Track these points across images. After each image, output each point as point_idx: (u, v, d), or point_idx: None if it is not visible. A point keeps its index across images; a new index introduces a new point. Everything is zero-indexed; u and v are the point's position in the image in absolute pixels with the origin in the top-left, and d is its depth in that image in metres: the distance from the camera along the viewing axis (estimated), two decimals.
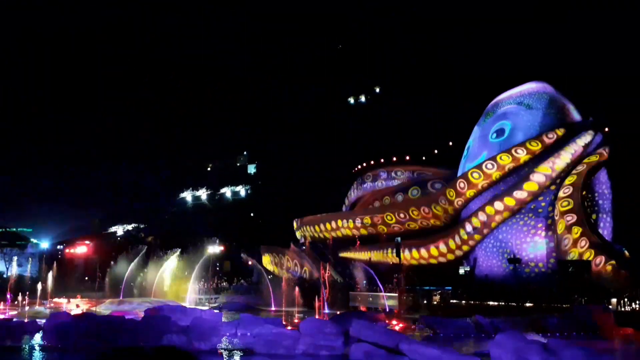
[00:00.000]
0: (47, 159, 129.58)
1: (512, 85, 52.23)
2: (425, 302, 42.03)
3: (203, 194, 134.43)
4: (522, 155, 45.51)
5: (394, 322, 32.96)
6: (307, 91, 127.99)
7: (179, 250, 63.11)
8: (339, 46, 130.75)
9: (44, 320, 31.40)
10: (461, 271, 47.68)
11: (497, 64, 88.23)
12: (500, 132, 48.86)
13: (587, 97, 54.00)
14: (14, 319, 34.33)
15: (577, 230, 40.09)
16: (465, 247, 47.65)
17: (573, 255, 39.51)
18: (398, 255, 49.78)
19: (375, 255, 54.46)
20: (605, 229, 43.14)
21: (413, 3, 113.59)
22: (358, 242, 56.52)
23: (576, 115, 49.05)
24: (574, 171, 44.07)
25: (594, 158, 44.65)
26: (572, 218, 40.93)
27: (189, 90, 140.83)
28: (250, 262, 71.18)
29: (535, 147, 45.42)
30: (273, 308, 49.53)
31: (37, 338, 28.92)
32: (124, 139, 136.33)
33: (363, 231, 56.86)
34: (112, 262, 64.67)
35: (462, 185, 47.87)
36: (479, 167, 47.13)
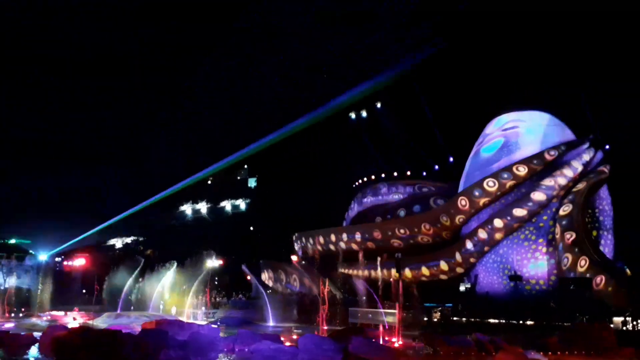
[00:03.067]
0: (46, 171, 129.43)
1: (510, 101, 52.34)
2: (425, 319, 41.73)
3: (203, 207, 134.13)
4: (523, 172, 45.49)
5: (394, 339, 32.66)
6: (307, 104, 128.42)
7: (176, 263, 62.75)
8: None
9: (40, 333, 31.13)
10: (462, 288, 47.47)
11: (496, 79, 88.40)
12: (499, 152, 48.71)
13: (586, 114, 54.03)
14: (11, 331, 34.09)
15: (577, 249, 39.90)
16: (465, 265, 47.50)
17: (573, 274, 39.30)
18: (398, 271, 49.58)
19: (375, 272, 54.22)
20: (607, 246, 43.04)
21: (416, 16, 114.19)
22: (361, 255, 56.13)
23: (570, 135, 49.26)
24: (574, 189, 44.00)
25: (594, 175, 44.64)
26: (571, 236, 40.78)
27: (189, 102, 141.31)
28: (248, 277, 70.85)
29: (537, 165, 45.41)
30: (271, 323, 49.15)
31: (34, 351, 28.68)
32: (123, 150, 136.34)
33: (363, 246, 56.57)
34: (110, 275, 64.33)
35: (463, 202, 47.85)
36: (479, 184, 47.13)
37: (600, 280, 37.41)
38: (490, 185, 46.35)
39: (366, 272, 54.83)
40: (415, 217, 54.25)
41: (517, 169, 45.75)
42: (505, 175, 45.99)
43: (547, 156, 45.60)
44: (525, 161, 45.98)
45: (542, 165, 45.37)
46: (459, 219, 48.43)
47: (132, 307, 57.66)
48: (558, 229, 42.08)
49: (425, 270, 49.52)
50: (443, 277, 49.02)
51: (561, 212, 42.73)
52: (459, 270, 48.09)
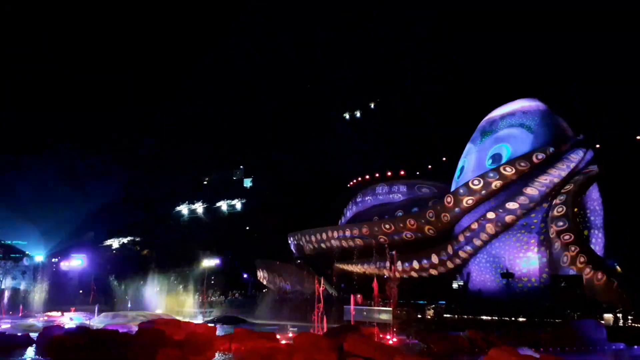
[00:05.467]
0: (42, 171, 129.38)
1: (503, 99, 52.36)
2: (419, 316, 42.06)
3: (199, 207, 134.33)
4: (509, 173, 45.70)
5: (388, 336, 33.00)
6: (303, 105, 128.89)
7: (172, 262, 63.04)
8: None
9: (37, 334, 31.31)
10: (454, 285, 47.86)
11: (488, 76, 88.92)
12: (497, 156, 48.32)
13: (579, 112, 54.50)
14: (7, 332, 34.23)
15: (574, 249, 40.21)
16: (457, 261, 47.86)
17: (572, 271, 39.66)
18: (392, 269, 49.89)
19: (369, 269, 54.62)
20: (597, 245, 43.49)
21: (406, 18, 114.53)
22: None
23: (568, 132, 49.38)
24: (565, 189, 44.22)
25: (583, 175, 44.99)
26: (569, 237, 40.87)
27: (185, 103, 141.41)
28: (245, 276, 71.19)
29: (524, 166, 45.46)
30: (267, 322, 49.43)
31: (30, 352, 28.84)
32: (120, 151, 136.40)
33: (352, 243, 56.98)
34: (106, 275, 64.48)
35: (448, 200, 48.41)
36: (466, 184, 47.54)
37: (601, 276, 37.83)
38: (475, 184, 46.71)
39: (361, 269, 55.29)
40: (405, 215, 54.75)
41: (504, 169, 45.93)
42: (492, 175, 46.22)
43: (534, 158, 45.57)
44: (512, 162, 46.01)
45: (530, 167, 45.50)
46: (444, 216, 48.86)
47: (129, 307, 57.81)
48: (554, 230, 42.15)
49: (416, 264, 50.06)
50: (433, 272, 49.47)
51: (555, 213, 42.86)
52: (450, 265, 48.42)
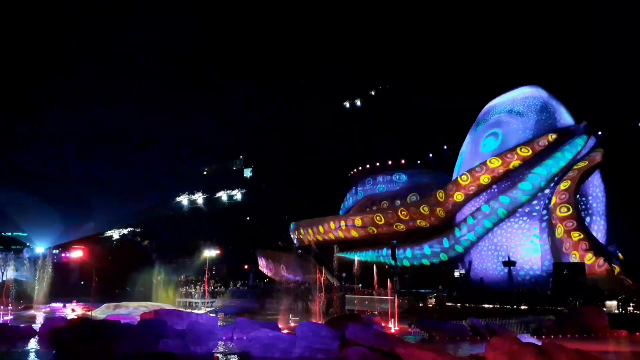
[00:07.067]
0: (43, 163, 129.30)
1: (505, 88, 52.16)
2: (421, 304, 42.06)
3: (199, 197, 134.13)
4: (512, 160, 45.59)
5: (390, 325, 33.00)
6: (302, 94, 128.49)
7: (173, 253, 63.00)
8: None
9: (39, 325, 31.28)
10: (456, 274, 47.85)
11: (491, 65, 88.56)
12: (491, 141, 48.69)
13: (581, 100, 54.15)
14: (10, 324, 34.24)
15: (577, 235, 40.31)
16: (458, 249, 47.83)
17: (574, 257, 39.70)
18: (394, 257, 49.95)
19: (371, 257, 54.66)
20: (599, 232, 43.42)
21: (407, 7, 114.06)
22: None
23: (569, 119, 49.07)
24: (567, 176, 44.09)
25: (585, 162, 44.80)
26: (572, 224, 41.09)
27: (186, 94, 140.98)
28: (246, 266, 71.15)
29: (526, 152, 45.43)
30: (269, 312, 49.42)
31: (32, 343, 28.81)
32: (120, 143, 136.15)
33: (354, 233, 56.96)
34: (108, 267, 64.46)
35: (450, 187, 48.32)
36: (469, 170, 47.45)
37: (602, 262, 37.79)
38: (478, 170, 46.59)
39: (363, 257, 55.28)
40: (406, 203, 54.69)
41: (505, 156, 45.85)
42: (494, 161, 46.10)
43: (536, 145, 45.53)
44: (514, 149, 45.91)
45: (532, 154, 45.32)
46: (446, 204, 49.10)
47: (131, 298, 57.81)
48: (556, 216, 42.14)
49: (417, 252, 50.17)
50: (434, 259, 49.71)
51: (558, 200, 42.87)
52: (452, 253, 48.62)
